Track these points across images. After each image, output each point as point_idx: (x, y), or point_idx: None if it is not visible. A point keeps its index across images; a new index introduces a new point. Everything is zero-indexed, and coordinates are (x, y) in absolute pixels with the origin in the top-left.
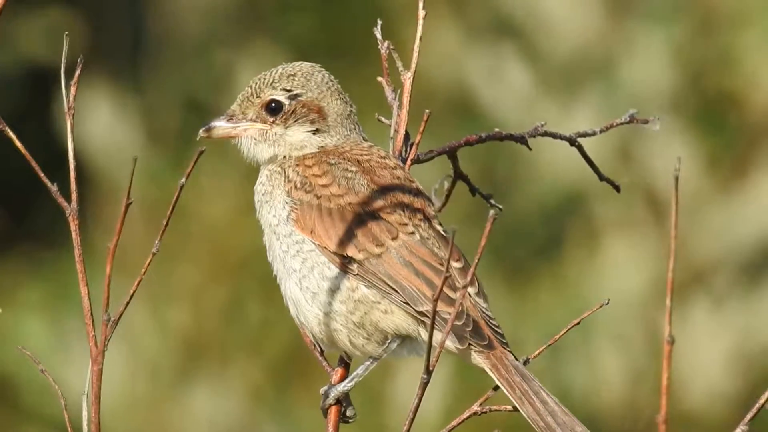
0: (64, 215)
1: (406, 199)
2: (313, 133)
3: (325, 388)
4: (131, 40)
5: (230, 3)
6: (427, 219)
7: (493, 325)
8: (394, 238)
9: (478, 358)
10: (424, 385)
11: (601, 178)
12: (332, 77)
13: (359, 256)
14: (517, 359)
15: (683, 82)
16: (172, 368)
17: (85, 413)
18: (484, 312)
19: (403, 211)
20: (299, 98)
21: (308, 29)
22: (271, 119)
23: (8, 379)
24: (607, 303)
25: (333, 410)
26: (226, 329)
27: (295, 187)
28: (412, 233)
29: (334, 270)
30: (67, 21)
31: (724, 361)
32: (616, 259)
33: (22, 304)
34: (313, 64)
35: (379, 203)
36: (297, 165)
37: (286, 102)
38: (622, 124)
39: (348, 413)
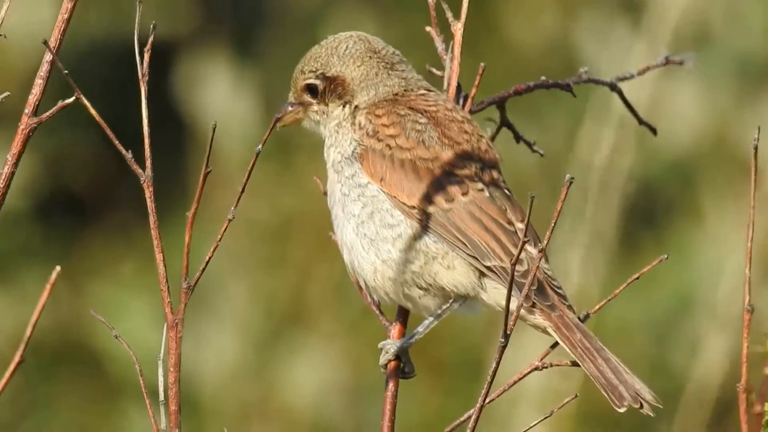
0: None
1: (476, 154)
2: (344, 106)
3: (384, 343)
4: (250, 12)
5: None
6: (495, 177)
7: (555, 285)
8: (464, 194)
9: (539, 318)
10: (502, 348)
11: (641, 122)
12: (361, 40)
13: (430, 209)
14: (578, 318)
15: None
16: (274, 337)
17: (161, 379)
18: (546, 272)
19: (473, 167)
20: (326, 76)
21: None
22: (315, 100)
23: (105, 353)
24: (666, 258)
25: (392, 365)
26: (330, 305)
27: (367, 134)
28: (482, 190)
29: (398, 217)
30: None
31: None
32: (719, 232)
33: (117, 277)
34: (348, 34)
35: (450, 158)
36: (368, 114)
37: (318, 83)
38: (657, 66)
39: (407, 369)
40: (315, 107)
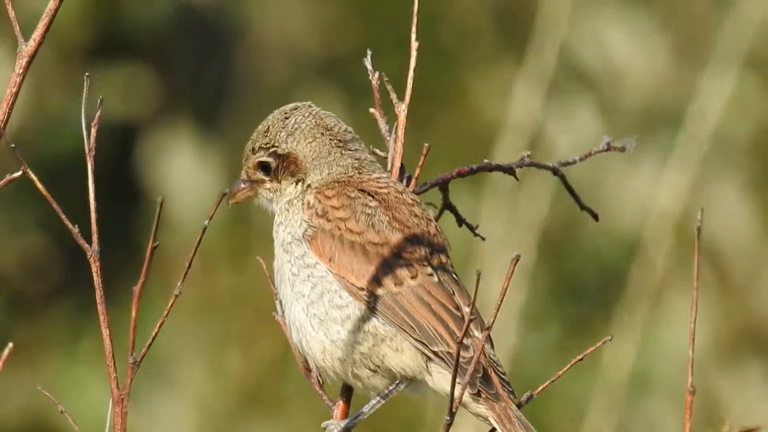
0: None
1: (425, 238)
2: (297, 183)
3: (327, 423)
4: (213, 89)
5: (309, 48)
6: (443, 261)
7: (500, 372)
8: (413, 278)
9: (482, 408)
10: (447, 426)
11: (582, 207)
12: (311, 114)
13: (379, 291)
14: (522, 399)
15: (750, 137)
16: (227, 412)
17: None
18: (491, 359)
19: (422, 251)
20: (277, 153)
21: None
22: (268, 178)
23: (63, 430)
24: (610, 339)
25: None
26: (279, 377)
27: (317, 214)
28: (431, 274)
29: (346, 299)
30: (146, 71)
31: None
32: (675, 315)
33: (75, 353)
34: (294, 106)
35: (399, 241)
36: (317, 193)
37: (271, 160)
38: (600, 152)
39: None
40: (268, 185)
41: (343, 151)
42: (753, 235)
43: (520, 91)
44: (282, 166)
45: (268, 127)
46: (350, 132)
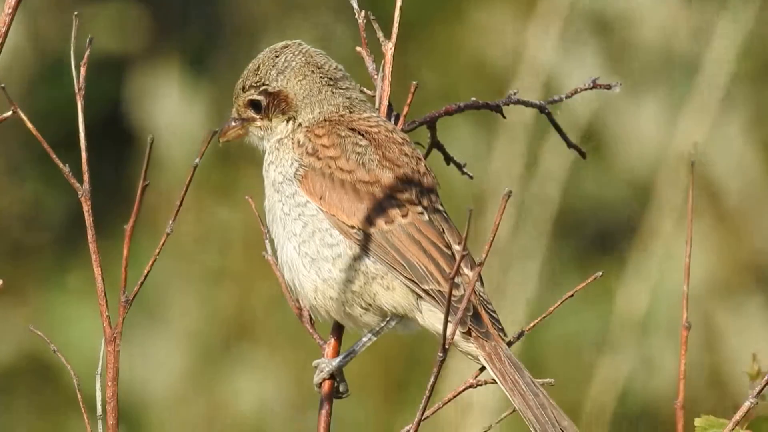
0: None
1: (415, 177)
2: (288, 122)
3: (319, 361)
4: (201, 28)
5: None
6: (433, 200)
7: (490, 310)
8: (404, 216)
9: (473, 347)
10: (440, 363)
11: (569, 145)
12: (301, 52)
13: (369, 229)
14: (513, 337)
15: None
16: (220, 350)
17: (99, 393)
18: (482, 296)
19: (413, 190)
20: (267, 91)
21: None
22: (259, 116)
23: (56, 366)
24: (601, 275)
25: (326, 385)
26: (271, 315)
27: (307, 152)
28: (421, 213)
29: (337, 237)
30: (137, 10)
31: None
32: (675, 250)
33: (65, 287)
34: (284, 44)
35: (390, 180)
36: (308, 132)
37: (261, 99)
38: (585, 89)
39: (341, 389)
40: (258, 123)
41: (334, 90)
42: (756, 172)
43: (531, 33)
44: (273, 104)
45: (259, 66)
46: (341, 70)
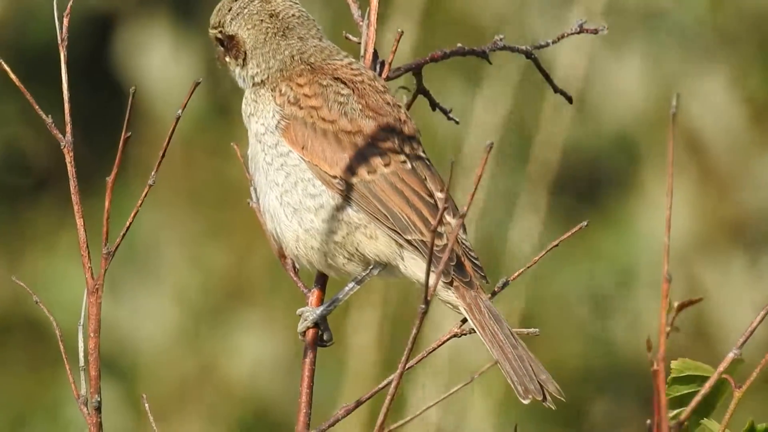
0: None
1: (397, 126)
2: (240, 67)
3: (303, 310)
4: None
5: None
6: (415, 147)
7: (473, 257)
8: (386, 165)
9: (452, 296)
10: (422, 314)
11: (555, 89)
12: None
13: (352, 179)
14: (494, 291)
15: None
16: (212, 307)
17: (81, 344)
18: (464, 244)
19: (395, 139)
20: (224, 32)
21: None
22: (224, 53)
23: (45, 322)
24: (585, 225)
25: (310, 333)
26: (257, 267)
27: (288, 101)
28: (404, 162)
29: (320, 187)
30: None
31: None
32: (660, 205)
33: (55, 245)
34: None
35: (372, 129)
36: (289, 81)
37: (221, 38)
38: (572, 33)
39: (325, 337)
40: (227, 59)
41: (282, 41)
42: (739, 126)
43: None
44: (228, 46)
45: (220, 8)
46: (302, 17)
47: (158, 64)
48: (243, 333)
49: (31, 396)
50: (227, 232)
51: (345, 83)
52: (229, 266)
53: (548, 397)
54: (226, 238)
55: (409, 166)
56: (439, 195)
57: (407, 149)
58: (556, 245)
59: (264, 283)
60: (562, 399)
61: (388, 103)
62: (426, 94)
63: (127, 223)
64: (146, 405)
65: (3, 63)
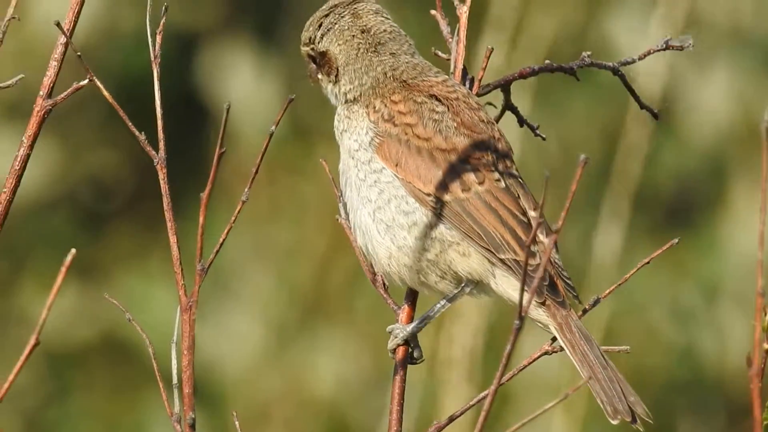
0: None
1: (491, 143)
2: (333, 84)
3: (393, 327)
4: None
5: None
6: (508, 165)
7: (565, 277)
8: (480, 183)
9: (543, 315)
10: (517, 330)
11: (642, 106)
12: (349, 11)
13: (446, 197)
14: (585, 309)
15: None
16: (296, 324)
17: (174, 362)
18: (556, 262)
19: (489, 156)
20: (316, 49)
21: None
22: (317, 70)
23: (132, 342)
24: (677, 242)
25: (400, 350)
26: (346, 284)
27: (383, 118)
28: (498, 180)
29: (413, 205)
30: None
31: None
32: (749, 221)
33: (144, 266)
34: (334, 2)
35: (467, 147)
36: (383, 97)
37: (313, 54)
38: (657, 50)
39: (415, 354)
40: (319, 75)
41: (374, 57)
42: None
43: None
44: (320, 63)
45: (310, 24)
46: (393, 32)
47: (240, 83)
48: (326, 350)
49: (114, 418)
50: (309, 250)
51: (440, 100)
52: (311, 283)
53: (637, 419)
54: (308, 255)
55: (503, 184)
56: (532, 213)
57: (501, 167)
58: (647, 262)
59: (346, 300)
60: (650, 421)
61: (483, 121)
62: (514, 110)
63: (221, 239)
64: (237, 422)
65: (96, 80)
